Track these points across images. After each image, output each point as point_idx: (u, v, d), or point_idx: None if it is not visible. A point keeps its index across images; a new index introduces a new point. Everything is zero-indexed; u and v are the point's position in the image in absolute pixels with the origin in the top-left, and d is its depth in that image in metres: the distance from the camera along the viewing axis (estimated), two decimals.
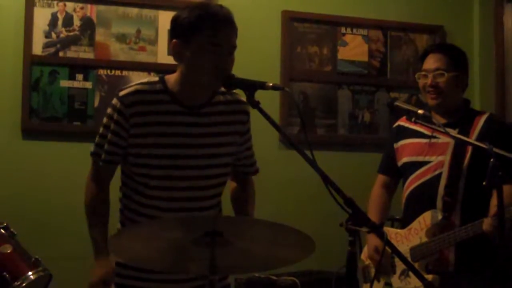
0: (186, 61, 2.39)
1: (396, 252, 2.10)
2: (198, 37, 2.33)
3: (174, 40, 2.40)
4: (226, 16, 2.36)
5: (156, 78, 2.48)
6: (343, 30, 4.59)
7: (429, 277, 3.01)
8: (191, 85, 2.41)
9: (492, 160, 2.52)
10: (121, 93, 2.42)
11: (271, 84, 2.20)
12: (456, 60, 3.19)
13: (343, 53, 4.58)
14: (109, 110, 2.45)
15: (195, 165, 2.44)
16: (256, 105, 2.18)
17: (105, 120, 2.46)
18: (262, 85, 2.21)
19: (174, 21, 2.42)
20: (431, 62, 3.17)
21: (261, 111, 2.17)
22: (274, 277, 3.84)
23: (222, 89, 2.45)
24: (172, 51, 2.41)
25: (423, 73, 3.18)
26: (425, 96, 3.22)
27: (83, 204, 2.51)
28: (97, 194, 2.49)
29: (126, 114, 2.39)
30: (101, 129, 2.47)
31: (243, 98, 2.47)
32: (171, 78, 2.46)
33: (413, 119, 2.79)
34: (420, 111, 2.75)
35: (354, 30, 4.60)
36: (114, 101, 2.43)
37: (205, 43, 2.33)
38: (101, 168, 2.48)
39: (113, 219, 2.53)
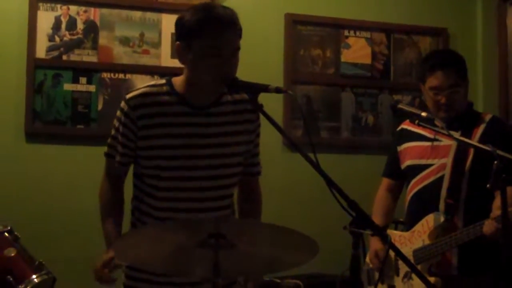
0: (189, 63, 2.39)
1: (399, 254, 2.10)
2: (200, 41, 2.33)
3: (177, 42, 2.40)
4: (228, 19, 2.35)
5: (163, 80, 2.49)
6: (346, 32, 4.58)
7: (432, 279, 3.01)
8: (194, 87, 2.42)
9: (496, 162, 2.52)
10: (128, 96, 2.45)
11: (274, 87, 2.20)
12: (464, 70, 3.18)
13: (346, 56, 4.58)
14: (118, 113, 2.48)
15: (205, 166, 2.45)
16: (259, 108, 2.19)
17: (115, 122, 2.49)
18: (265, 88, 2.21)
19: (177, 23, 2.42)
20: (443, 80, 3.10)
21: (265, 114, 2.17)
22: (277, 280, 3.83)
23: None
24: (175, 53, 2.42)
25: (435, 91, 3.13)
26: (434, 109, 3.14)
27: (98, 202, 2.53)
28: (111, 191, 2.52)
29: (132, 116, 2.41)
30: (112, 131, 2.50)
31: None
32: (178, 80, 2.47)
33: (416, 122, 2.79)
34: (423, 114, 2.75)
35: (358, 33, 4.60)
36: (122, 104, 2.45)
37: (207, 46, 2.32)
38: (113, 168, 2.51)
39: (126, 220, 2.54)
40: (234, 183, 2.54)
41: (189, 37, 2.35)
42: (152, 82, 2.50)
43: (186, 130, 2.42)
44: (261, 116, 2.19)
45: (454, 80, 3.12)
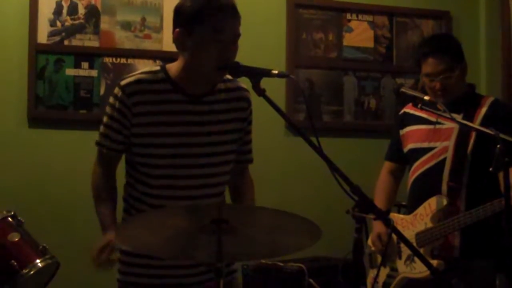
0: (188, 50, 2.38)
1: (402, 238, 2.10)
2: (201, 27, 2.32)
3: (176, 29, 2.39)
4: (229, 5, 2.34)
5: (158, 67, 2.47)
6: (348, 16, 4.57)
7: (434, 262, 3.02)
8: (193, 74, 2.41)
9: (498, 146, 2.52)
10: (123, 82, 2.42)
11: (276, 72, 2.20)
12: (457, 54, 3.16)
13: (349, 39, 4.56)
14: (111, 100, 2.45)
15: (199, 153, 2.44)
16: (262, 92, 2.18)
17: (107, 109, 2.46)
18: (268, 73, 2.21)
19: (177, 10, 2.41)
20: (434, 66, 3.10)
21: (267, 98, 2.17)
22: (280, 264, 3.85)
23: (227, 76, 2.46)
24: (174, 40, 2.41)
25: (429, 78, 3.13)
26: (431, 95, 3.08)
27: (90, 189, 2.52)
28: (103, 179, 2.50)
29: (128, 103, 2.39)
30: (104, 119, 2.47)
31: (244, 85, 2.49)
32: (173, 67, 2.45)
33: (419, 106, 2.79)
34: (426, 97, 2.75)
35: (360, 16, 4.59)
36: (116, 90, 2.43)
37: (208, 33, 2.32)
38: (106, 156, 2.49)
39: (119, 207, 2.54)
40: (228, 170, 2.53)
41: (190, 23, 2.34)
42: (147, 69, 2.48)
43: (180, 118, 2.42)
44: (264, 101, 2.18)
45: (446, 65, 3.10)
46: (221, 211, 1.93)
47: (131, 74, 2.46)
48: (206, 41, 2.32)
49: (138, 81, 2.41)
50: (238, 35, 2.37)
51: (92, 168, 2.54)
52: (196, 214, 1.96)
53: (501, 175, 2.70)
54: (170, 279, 2.49)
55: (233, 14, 2.36)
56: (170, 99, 2.42)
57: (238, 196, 2.64)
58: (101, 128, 2.49)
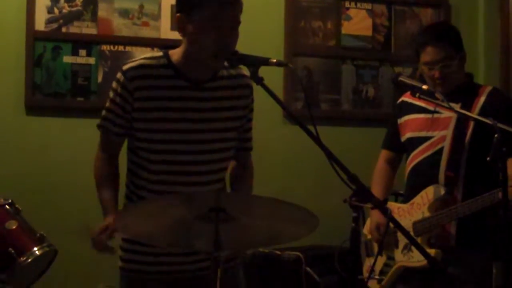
0: (188, 36, 2.38)
1: (399, 227, 2.11)
2: (200, 13, 2.32)
3: (177, 14, 2.39)
4: None
5: (161, 53, 2.48)
6: (347, 4, 4.55)
7: (432, 251, 3.02)
8: (193, 60, 2.41)
9: (496, 135, 2.51)
10: (125, 67, 2.43)
11: (274, 60, 2.20)
12: (456, 43, 3.15)
13: (347, 28, 4.55)
14: (113, 84, 2.47)
15: (200, 140, 2.45)
16: (260, 81, 2.18)
17: (110, 93, 2.48)
18: (266, 61, 2.20)
19: None
20: (433, 55, 3.09)
21: (265, 87, 2.17)
22: (278, 252, 3.86)
23: (225, 63, 2.45)
24: (176, 25, 2.41)
25: (428, 67, 3.12)
26: (430, 84, 3.09)
27: (93, 174, 2.52)
28: (106, 165, 2.51)
29: (129, 88, 2.41)
30: (107, 103, 2.49)
31: (246, 72, 2.49)
32: (175, 53, 2.46)
33: (417, 95, 2.78)
34: (424, 87, 2.74)
35: (358, 4, 4.57)
36: (118, 75, 2.45)
37: (207, 19, 2.31)
38: (108, 140, 2.50)
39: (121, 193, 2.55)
40: (228, 157, 2.55)
41: (190, 8, 2.34)
42: (149, 54, 2.49)
43: (181, 104, 2.42)
44: (261, 89, 2.18)
45: (445, 54, 3.10)
46: (219, 200, 1.93)
47: (134, 59, 2.47)
48: (205, 27, 2.32)
49: (140, 66, 2.42)
50: (238, 23, 2.37)
51: (95, 153, 2.55)
52: (194, 202, 1.96)
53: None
54: (173, 266, 2.50)
55: (233, 1, 2.35)
56: (172, 84, 2.42)
57: (236, 183, 2.64)
58: (104, 112, 2.50)
